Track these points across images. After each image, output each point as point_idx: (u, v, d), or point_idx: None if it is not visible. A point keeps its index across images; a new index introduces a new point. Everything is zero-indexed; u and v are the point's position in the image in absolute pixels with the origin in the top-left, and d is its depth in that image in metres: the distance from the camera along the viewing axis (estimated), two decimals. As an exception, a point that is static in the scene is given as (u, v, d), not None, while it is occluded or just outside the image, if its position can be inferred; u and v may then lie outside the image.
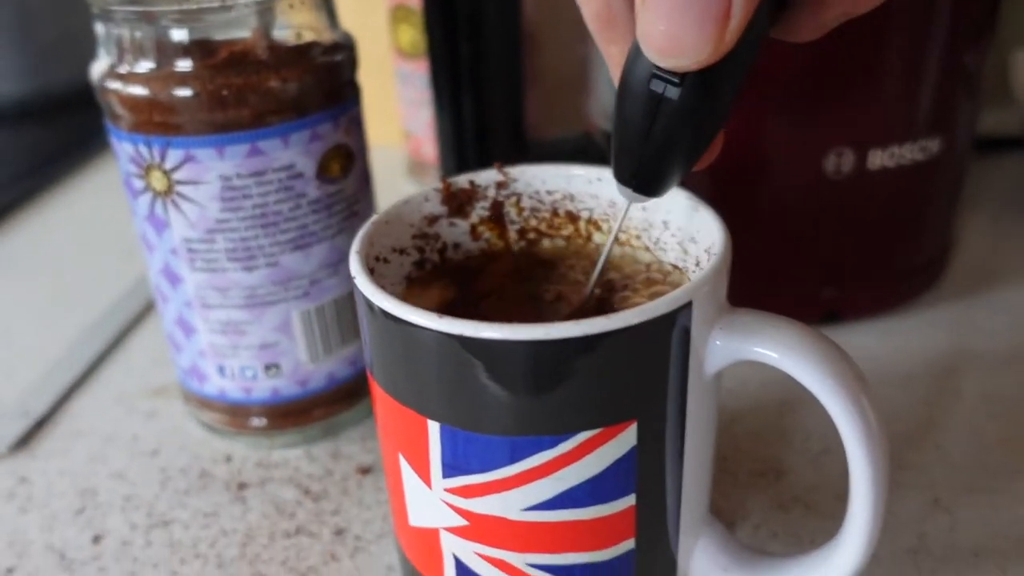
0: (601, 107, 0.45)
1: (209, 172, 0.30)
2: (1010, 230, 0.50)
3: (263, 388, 0.34)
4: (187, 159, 0.30)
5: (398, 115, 0.60)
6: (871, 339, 0.41)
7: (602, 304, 0.26)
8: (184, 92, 0.29)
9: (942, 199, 0.42)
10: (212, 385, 0.35)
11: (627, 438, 0.22)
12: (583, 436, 0.21)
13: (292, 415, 0.35)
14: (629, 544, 0.24)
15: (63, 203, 0.66)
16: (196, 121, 0.29)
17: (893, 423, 0.36)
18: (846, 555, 0.24)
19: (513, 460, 0.22)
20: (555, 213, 0.29)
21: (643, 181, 0.23)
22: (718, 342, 0.23)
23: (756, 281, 0.41)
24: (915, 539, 0.30)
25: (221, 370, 0.34)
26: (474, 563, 0.24)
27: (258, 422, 0.35)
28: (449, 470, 0.23)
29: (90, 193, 0.68)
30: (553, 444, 0.21)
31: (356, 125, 0.33)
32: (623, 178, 0.24)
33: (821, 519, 0.31)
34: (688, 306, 0.21)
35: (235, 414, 0.35)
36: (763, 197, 0.40)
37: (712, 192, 0.41)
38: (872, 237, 0.40)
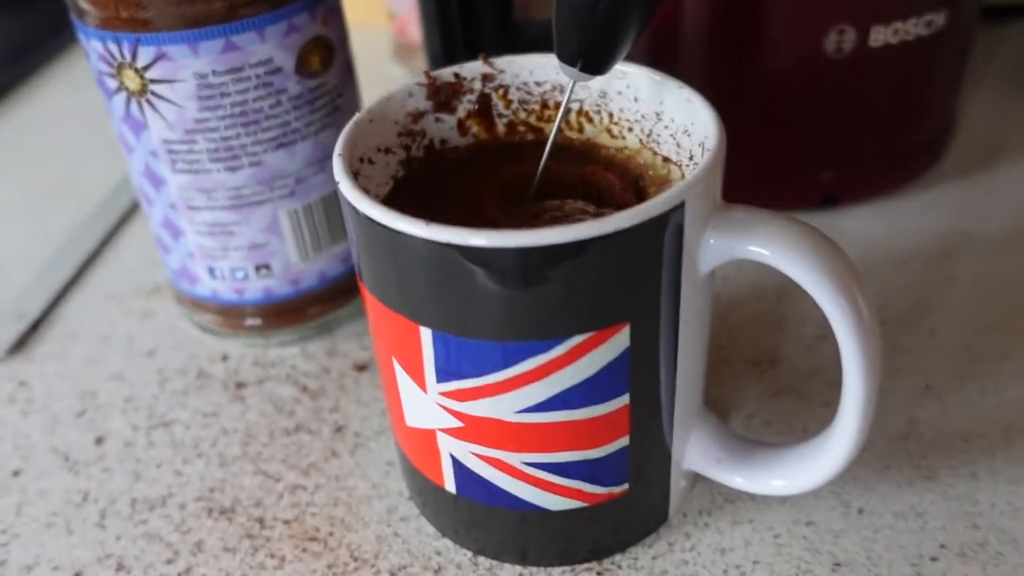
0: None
1: (183, 70, 0.29)
2: (1014, 105, 0.49)
3: (255, 289, 0.34)
4: (159, 56, 0.28)
5: (382, -5, 0.57)
6: (868, 223, 0.41)
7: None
8: (151, -16, 0.27)
9: (946, 75, 0.40)
10: (203, 287, 0.34)
11: (620, 341, 0.22)
12: (575, 340, 0.21)
13: (286, 314, 0.35)
14: (623, 441, 0.24)
15: (39, 97, 0.64)
16: (166, 16, 0.28)
17: (886, 307, 0.36)
18: (837, 446, 0.24)
19: (506, 365, 0.22)
20: (544, 105, 0.28)
21: (591, 59, 0.23)
22: (711, 241, 0.22)
23: (753, 166, 0.40)
24: (906, 425, 0.30)
25: (211, 272, 0.34)
26: (471, 462, 0.24)
27: (252, 322, 0.35)
28: (443, 375, 0.23)
29: (67, 85, 0.65)
30: (545, 349, 0.21)
31: (335, 15, 0.31)
32: (567, 57, 0.23)
33: (813, 406, 0.32)
34: (681, 206, 0.21)
35: (229, 315, 0.35)
36: (760, 80, 0.38)
37: (706, 76, 0.40)
38: (872, 118, 0.39)
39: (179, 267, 0.34)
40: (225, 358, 0.36)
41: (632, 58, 0.41)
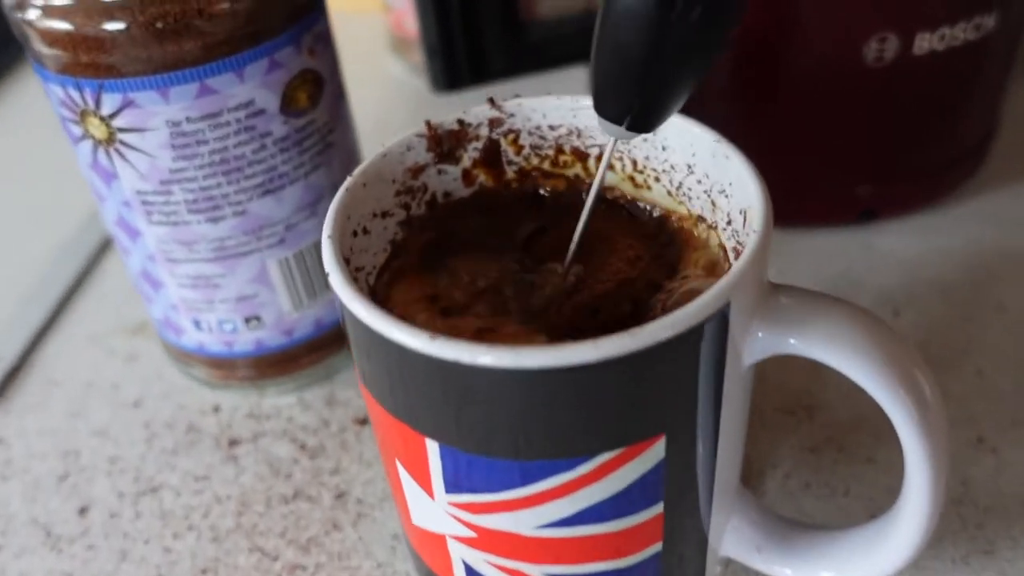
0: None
1: (154, 118, 0.25)
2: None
3: (246, 341, 0.31)
4: (126, 104, 0.25)
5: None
6: (908, 240, 0.38)
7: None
8: (113, 25, 0.24)
9: (992, 80, 0.37)
10: (190, 338, 0.32)
11: (654, 453, 0.19)
12: (603, 457, 0.19)
13: (280, 364, 0.32)
14: (656, 547, 0.21)
15: (8, 113, 0.61)
16: (131, 60, 0.25)
17: (929, 344, 0.33)
18: (899, 541, 0.21)
19: (524, 483, 0.19)
20: (560, 151, 0.25)
21: (642, 116, 0.19)
22: (760, 334, 0.19)
23: (788, 181, 0.37)
24: (959, 487, 0.28)
25: (197, 324, 0.31)
26: (486, 570, 0.22)
27: (245, 373, 0.32)
28: (452, 487, 0.20)
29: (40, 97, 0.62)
30: (569, 467, 0.19)
31: (323, 43, 0.28)
32: (612, 113, 0.20)
33: (856, 463, 0.29)
34: (725, 307, 0.18)
35: (219, 366, 0.32)
36: (794, 90, 0.35)
37: (740, 87, 0.37)
38: (913, 129, 0.36)
39: (163, 318, 0.32)
40: (217, 410, 0.34)
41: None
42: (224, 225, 0.28)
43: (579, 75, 0.45)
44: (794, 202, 0.38)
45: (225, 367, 0.32)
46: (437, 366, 0.17)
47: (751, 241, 0.19)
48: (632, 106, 0.19)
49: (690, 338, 0.17)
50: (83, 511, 0.30)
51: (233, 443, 0.32)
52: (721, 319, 0.18)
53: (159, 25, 0.24)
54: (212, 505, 0.30)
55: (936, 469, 0.20)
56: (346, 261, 0.20)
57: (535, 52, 0.39)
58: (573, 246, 0.22)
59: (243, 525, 0.29)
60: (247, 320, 0.31)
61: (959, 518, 0.27)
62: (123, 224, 0.29)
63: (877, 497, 0.28)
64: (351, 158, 0.31)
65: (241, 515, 0.30)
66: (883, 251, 0.37)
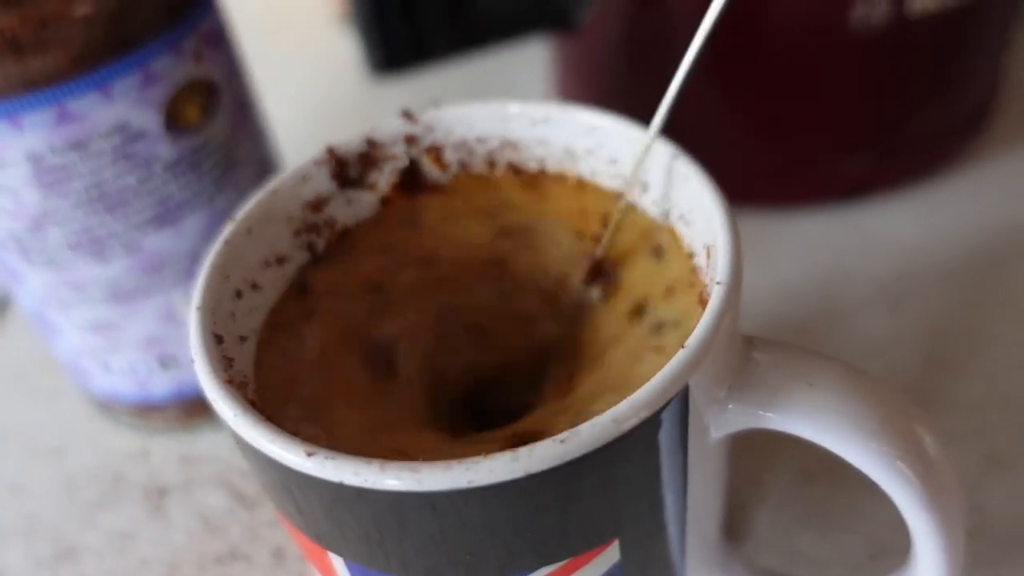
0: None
1: (9, 151, 0.21)
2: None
3: (164, 384, 0.28)
4: (-26, 138, 0.21)
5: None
6: (903, 219, 0.34)
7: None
8: (-60, 47, 0.20)
9: (991, 42, 0.33)
10: (102, 384, 0.28)
11: (607, 558, 0.16)
12: (542, 572, 0.15)
13: (207, 407, 0.29)
14: (621, 644, 0.18)
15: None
16: (-30, 85, 0.20)
17: (932, 344, 0.29)
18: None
19: (449, 603, 0.16)
20: (492, 165, 0.21)
21: None
22: (730, 406, 0.16)
23: (771, 156, 0.33)
24: (972, 514, 0.25)
25: (106, 368, 0.27)
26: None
27: (170, 417, 0.29)
28: (370, 600, 0.17)
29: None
30: (503, 586, 0.15)
31: (213, 44, 0.24)
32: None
33: (854, 493, 0.25)
34: (684, 390, 0.14)
35: (140, 412, 0.29)
36: (776, 58, 0.31)
37: (717, 56, 0.32)
38: (905, 97, 0.32)
39: (71, 362, 0.28)
40: (145, 454, 0.30)
41: (613, 20, 0.34)
42: (116, 265, 0.24)
43: (529, 53, 0.40)
44: (777, 180, 0.34)
45: (147, 412, 0.29)
46: (320, 485, 0.14)
47: (715, 296, 0.15)
48: None
49: (639, 434, 0.14)
50: (-6, 585, 0.27)
51: (162, 493, 0.29)
52: (680, 403, 0.14)
53: (-5, 43, 0.20)
54: (138, 569, 0.27)
55: (952, 559, 0.16)
56: (219, 339, 0.16)
57: (480, 27, 0.34)
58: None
59: (171, 593, 0.26)
60: (162, 362, 0.27)
61: (974, 554, 0.24)
62: (5, 267, 0.25)
63: (879, 531, 0.25)
64: (264, 174, 0.27)
65: (169, 582, 0.26)
66: (876, 233, 0.33)
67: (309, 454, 0.14)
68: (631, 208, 0.18)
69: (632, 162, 0.17)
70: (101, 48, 0.21)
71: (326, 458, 0.13)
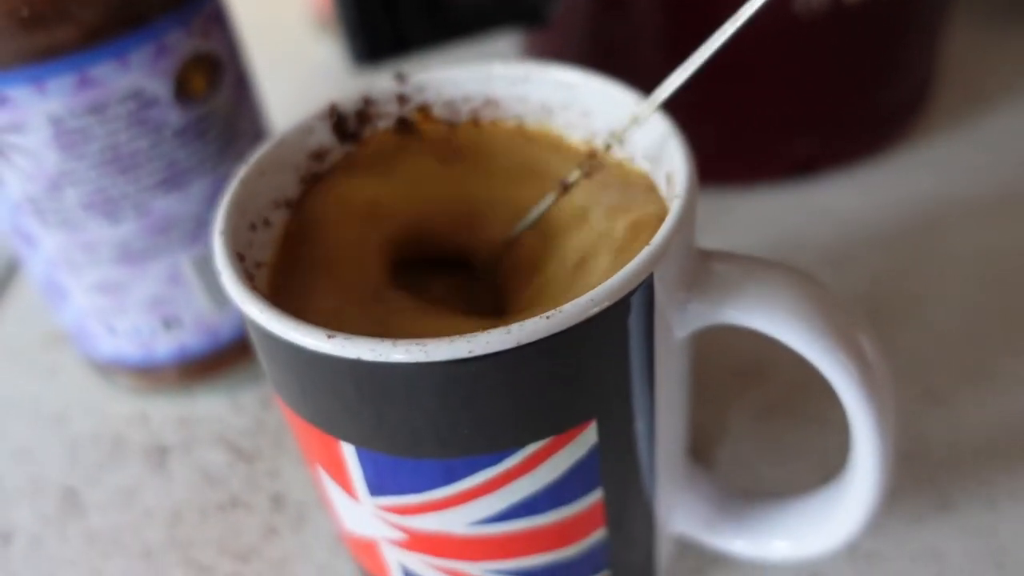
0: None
1: (33, 115, 0.23)
2: (999, 43, 0.45)
3: (167, 345, 0.30)
4: (0, 101, 0.23)
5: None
6: (849, 193, 0.37)
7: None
8: (-27, 16, 0.22)
9: (928, 27, 0.36)
10: (107, 347, 0.30)
11: (586, 439, 0.18)
12: (531, 448, 0.17)
13: (208, 366, 0.31)
14: (600, 533, 0.20)
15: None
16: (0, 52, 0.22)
17: (875, 297, 0.32)
18: (852, 505, 0.21)
19: (449, 481, 0.18)
20: (476, 123, 0.24)
21: None
22: (690, 305, 0.18)
23: (722, 136, 0.36)
24: (912, 442, 0.27)
25: (111, 330, 0.29)
26: (425, 572, 0.21)
27: (171, 378, 0.31)
28: (376, 490, 0.19)
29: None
30: (495, 461, 0.17)
31: (217, 22, 0.26)
32: None
33: (807, 426, 0.28)
34: (649, 278, 0.17)
35: (142, 374, 0.31)
36: (725, 44, 0.34)
37: (666, 39, 0.35)
38: (848, 79, 0.35)
39: (76, 327, 0.30)
40: (144, 418, 0.32)
41: (580, 15, 0.37)
42: (127, 226, 0.26)
43: (504, 43, 0.43)
44: (729, 159, 0.37)
45: (149, 374, 0.31)
46: (338, 366, 0.16)
47: (675, 206, 0.18)
48: None
49: (612, 315, 0.16)
50: (6, 538, 0.29)
51: (163, 452, 0.31)
52: (646, 291, 0.17)
53: (24, 13, 0.22)
54: (143, 520, 0.28)
55: (883, 434, 0.19)
56: (240, 257, 0.18)
57: (457, 21, 0.37)
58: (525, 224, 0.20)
59: (176, 538, 0.28)
60: (166, 323, 0.29)
61: (914, 475, 0.26)
62: (19, 231, 0.27)
63: (832, 459, 0.27)
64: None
65: (174, 528, 0.28)
66: (823, 207, 0.36)
67: (329, 336, 0.16)
68: (606, 150, 0.21)
69: (622, 127, 0.20)
70: (119, 21, 0.23)
71: (345, 339, 0.16)
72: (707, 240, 0.19)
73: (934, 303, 0.32)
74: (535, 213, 0.20)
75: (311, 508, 0.28)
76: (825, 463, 0.27)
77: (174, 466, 0.30)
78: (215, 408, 0.32)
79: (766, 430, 0.28)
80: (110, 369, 0.31)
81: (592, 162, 0.20)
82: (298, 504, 0.28)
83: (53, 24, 0.22)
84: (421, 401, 0.16)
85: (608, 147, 0.20)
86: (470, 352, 0.15)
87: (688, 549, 0.25)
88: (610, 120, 0.22)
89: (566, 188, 0.20)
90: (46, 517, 0.29)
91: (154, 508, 0.29)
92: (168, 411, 0.32)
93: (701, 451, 0.28)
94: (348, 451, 0.18)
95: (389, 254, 0.20)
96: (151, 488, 0.29)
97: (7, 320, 0.37)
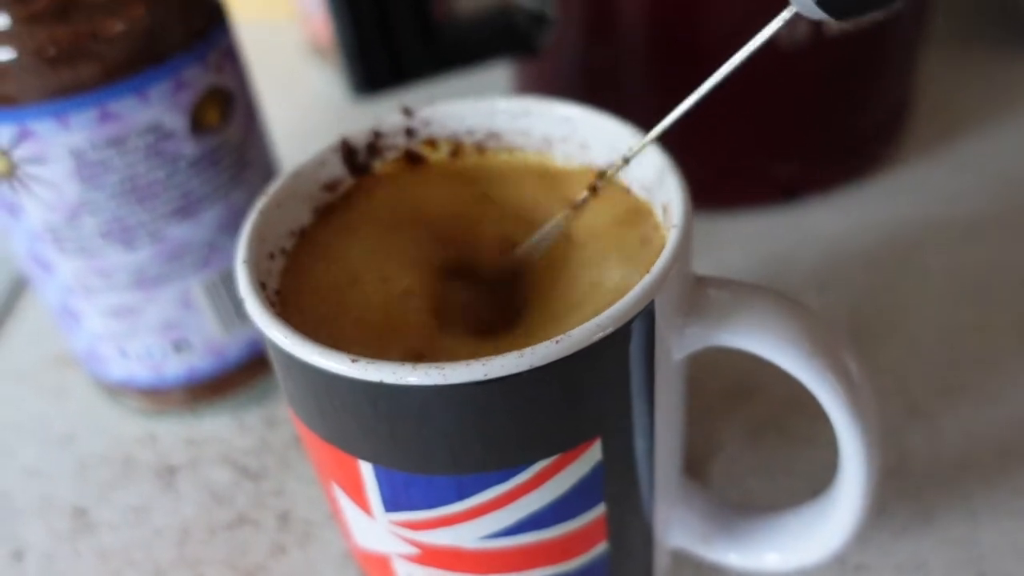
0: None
1: (55, 148, 0.25)
2: (973, 68, 0.46)
3: (176, 367, 0.30)
4: (24, 135, 0.24)
5: (290, -12, 0.52)
6: (832, 216, 0.38)
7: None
8: (1, 55, 0.23)
9: (903, 57, 0.38)
10: (117, 368, 0.31)
11: (591, 456, 0.19)
12: (539, 465, 0.18)
13: (215, 387, 0.32)
14: (601, 547, 0.21)
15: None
16: (25, 88, 0.24)
17: (859, 316, 0.33)
18: (839, 518, 0.22)
19: (461, 497, 0.19)
20: (480, 150, 0.25)
21: None
22: (687, 329, 0.19)
23: (710, 163, 0.37)
24: (896, 457, 0.28)
25: (123, 353, 0.30)
26: (433, 585, 0.22)
27: (179, 399, 0.32)
28: (391, 505, 0.20)
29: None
30: (505, 478, 0.19)
31: (230, 59, 0.27)
32: None
33: (797, 444, 0.29)
34: (650, 305, 0.18)
35: (151, 395, 0.31)
36: (710, 74, 0.35)
37: (654, 71, 0.37)
38: (828, 108, 0.37)
39: (87, 350, 0.31)
40: (153, 438, 0.33)
41: (570, 47, 0.38)
42: (142, 253, 0.27)
43: (498, 73, 0.44)
44: (718, 186, 0.38)
45: (157, 396, 0.31)
46: (360, 388, 0.17)
47: (672, 236, 0.19)
48: None
49: (616, 340, 0.17)
50: (17, 556, 0.29)
51: (171, 472, 0.31)
52: (647, 317, 0.18)
53: (51, 52, 0.23)
54: (152, 538, 0.29)
55: (868, 449, 0.20)
56: (262, 285, 0.20)
57: (452, 52, 0.38)
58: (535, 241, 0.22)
59: (185, 556, 0.29)
60: (176, 346, 0.30)
61: (898, 489, 0.28)
62: (35, 258, 0.28)
63: (820, 475, 0.28)
64: (270, 174, 0.30)
65: (183, 545, 0.29)
66: (808, 229, 0.38)
67: (353, 360, 0.17)
68: (610, 180, 0.22)
69: (621, 158, 0.21)
70: (140, 58, 0.24)
71: (368, 363, 0.17)
72: (698, 261, 0.21)
73: (915, 320, 0.33)
74: (545, 233, 0.21)
75: (317, 526, 0.29)
76: (814, 478, 0.28)
77: (182, 485, 0.31)
78: (221, 428, 0.33)
79: (757, 447, 0.29)
80: (119, 391, 0.32)
81: (600, 182, 0.21)
82: (304, 522, 0.29)
83: (78, 62, 0.23)
84: (437, 421, 0.17)
85: (617, 168, 0.21)
86: (485, 375, 0.16)
87: (684, 562, 0.26)
88: (606, 152, 0.23)
89: (575, 208, 0.21)
90: (57, 535, 0.30)
91: (163, 526, 0.30)
92: (175, 431, 0.33)
93: (695, 468, 0.29)
94: (366, 469, 0.19)
95: (400, 273, 0.21)
96: (160, 507, 0.30)
97: (15, 342, 0.38)
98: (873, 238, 0.37)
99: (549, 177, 0.24)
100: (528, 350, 0.16)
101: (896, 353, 0.32)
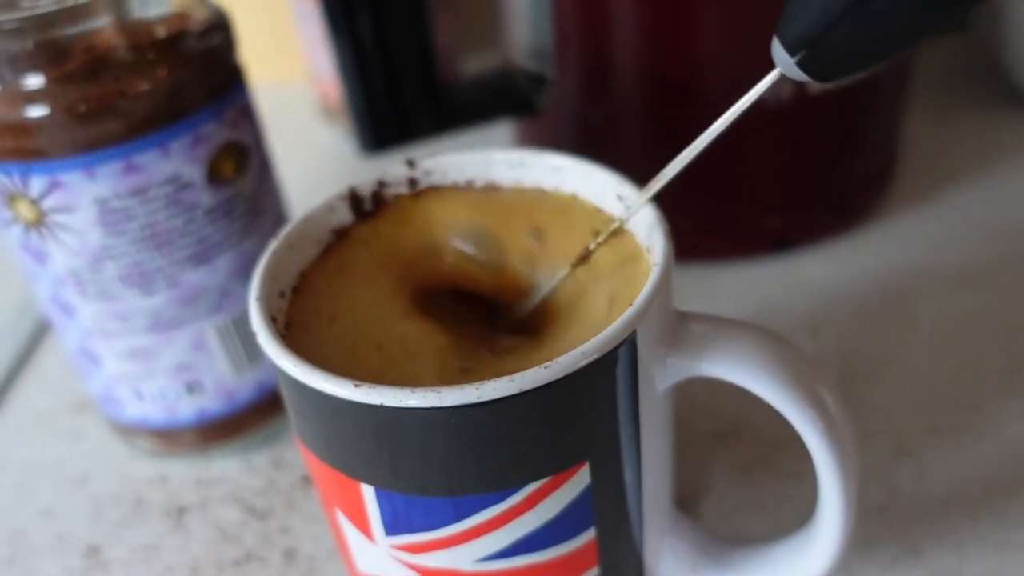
0: (518, 39, 0.41)
1: (82, 197, 0.26)
2: (957, 122, 0.48)
3: (188, 408, 0.32)
4: (54, 186, 0.26)
5: (302, 53, 0.55)
6: (822, 266, 0.40)
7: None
8: (36, 112, 0.25)
9: (888, 111, 0.39)
10: (132, 410, 0.32)
11: (580, 479, 0.20)
12: (531, 487, 0.20)
13: (225, 429, 0.33)
14: (593, 572, 0.22)
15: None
16: (56, 142, 0.25)
17: (849, 360, 0.34)
18: (820, 548, 0.23)
19: (458, 518, 0.20)
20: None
21: (823, 55, 0.17)
22: (668, 360, 0.21)
23: (701, 216, 0.39)
24: (884, 494, 0.29)
25: (139, 395, 0.31)
26: (432, 610, 0.23)
27: (190, 440, 0.33)
28: (391, 528, 0.21)
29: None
30: (500, 499, 0.20)
31: (245, 116, 0.29)
32: (791, 37, 0.17)
33: (785, 481, 0.30)
34: (633, 335, 0.19)
35: (163, 436, 0.33)
36: (700, 131, 0.37)
37: (645, 128, 0.39)
38: (816, 161, 0.38)
39: (103, 392, 0.32)
40: (164, 479, 0.34)
41: (568, 106, 0.40)
42: (159, 297, 0.29)
43: (499, 131, 0.46)
44: (711, 238, 0.40)
45: (169, 437, 0.33)
46: (362, 411, 0.18)
47: (653, 274, 0.20)
48: (818, 37, 0.17)
49: (602, 367, 0.19)
50: (31, 593, 0.30)
51: (182, 511, 0.32)
52: (630, 347, 0.19)
53: (82, 108, 0.25)
54: (163, 574, 0.30)
55: (846, 477, 0.21)
56: (274, 320, 0.21)
57: (457, 112, 0.40)
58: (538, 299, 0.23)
59: (195, 592, 0.29)
60: (188, 388, 0.31)
61: (886, 524, 0.28)
62: (58, 302, 0.29)
63: (808, 511, 0.29)
64: (281, 223, 0.32)
65: (192, 582, 0.30)
66: (799, 278, 0.39)
67: (356, 385, 0.18)
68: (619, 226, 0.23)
69: (621, 216, 0.23)
70: (162, 115, 0.26)
71: (370, 387, 0.18)
72: (692, 309, 0.22)
73: (903, 364, 0.34)
74: (553, 284, 0.23)
75: (321, 561, 0.30)
76: (803, 515, 0.29)
77: (192, 524, 0.32)
78: (230, 469, 0.34)
79: (746, 485, 0.30)
80: (133, 432, 0.33)
81: (602, 238, 0.23)
82: (308, 558, 0.30)
83: (105, 118, 0.25)
84: (435, 442, 0.18)
85: (619, 225, 0.23)
86: (478, 398, 0.18)
87: (677, 593, 0.27)
88: (593, 198, 0.24)
89: (583, 258, 0.23)
90: (71, 571, 0.31)
91: (173, 564, 0.30)
92: (186, 472, 0.34)
93: (687, 505, 0.30)
94: (367, 492, 0.20)
95: (400, 300, 0.23)
96: (170, 545, 0.31)
97: (34, 387, 0.40)
98: (863, 286, 0.38)
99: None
100: (519, 375, 0.18)
101: (885, 395, 0.33)
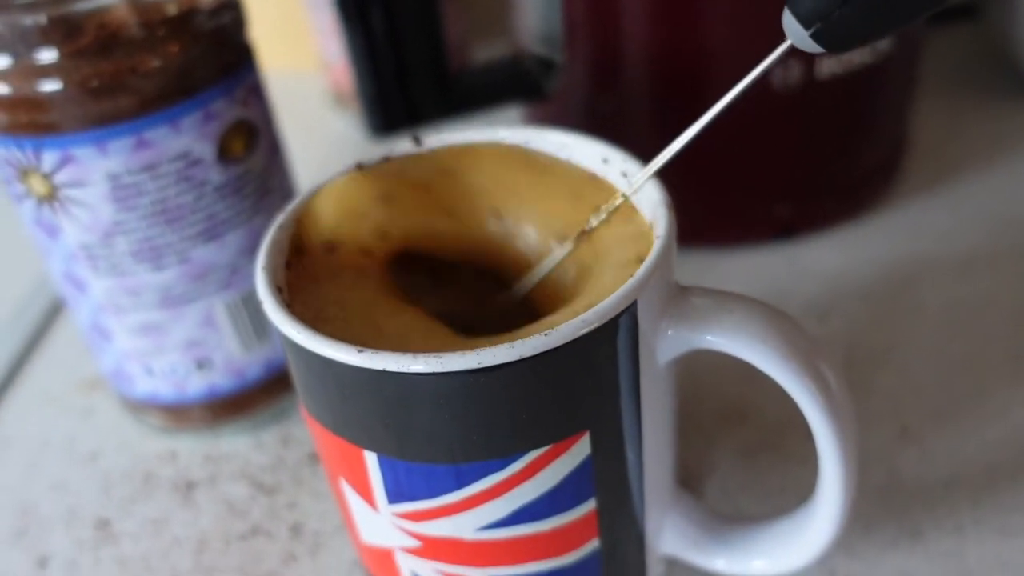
0: (528, 24, 0.41)
1: (93, 172, 0.27)
2: (964, 110, 0.48)
3: (197, 385, 0.32)
4: (66, 160, 0.26)
5: (314, 41, 0.55)
6: (828, 254, 0.40)
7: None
8: (49, 86, 0.25)
9: (896, 98, 0.39)
10: (142, 386, 0.32)
11: (580, 449, 0.20)
12: (532, 455, 0.20)
13: (234, 406, 0.33)
14: (594, 543, 0.23)
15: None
16: (69, 117, 0.26)
17: (854, 346, 0.35)
18: (820, 525, 0.23)
19: (460, 486, 0.20)
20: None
21: (838, 27, 0.17)
22: (669, 332, 0.21)
23: (707, 202, 0.39)
24: (886, 476, 0.29)
25: (149, 371, 0.32)
26: (433, 579, 0.23)
27: (199, 417, 0.33)
28: (394, 496, 0.21)
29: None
30: (501, 467, 0.20)
31: (255, 95, 0.30)
32: (805, 10, 0.17)
33: (790, 464, 0.30)
34: (633, 305, 0.19)
35: (173, 412, 0.33)
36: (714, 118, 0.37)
37: (658, 112, 0.39)
38: (823, 148, 0.38)
39: (114, 368, 0.32)
40: (173, 455, 0.34)
41: (577, 91, 0.40)
42: (169, 273, 0.29)
43: (506, 116, 0.47)
44: (718, 225, 0.40)
45: (179, 413, 0.33)
46: (366, 376, 0.18)
47: (655, 246, 0.20)
48: (832, 11, 0.17)
49: (602, 335, 0.19)
50: (42, 562, 0.31)
51: (190, 487, 0.33)
52: (630, 317, 0.19)
53: (94, 84, 0.25)
54: (171, 547, 0.31)
55: (845, 449, 0.21)
56: (279, 290, 0.21)
57: (466, 97, 0.40)
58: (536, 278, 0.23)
59: (202, 564, 0.30)
60: (198, 364, 0.31)
61: (887, 506, 0.28)
62: (70, 277, 0.30)
63: (810, 494, 0.29)
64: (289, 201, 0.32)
65: (200, 554, 0.30)
66: (806, 265, 0.39)
67: (359, 351, 0.18)
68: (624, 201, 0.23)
69: (623, 193, 0.23)
70: (173, 91, 0.27)
71: (373, 352, 0.18)
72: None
73: (909, 350, 0.34)
74: (551, 261, 0.23)
75: (327, 536, 0.30)
76: (805, 497, 0.29)
77: (200, 499, 0.32)
78: (239, 446, 0.34)
79: (750, 466, 0.30)
80: (143, 408, 0.33)
81: (602, 215, 0.23)
82: (315, 533, 0.30)
83: (117, 94, 0.26)
84: (436, 408, 0.19)
85: (620, 202, 0.23)
86: (479, 363, 0.18)
87: (675, 567, 0.27)
88: (601, 175, 0.25)
89: (583, 234, 0.23)
90: (81, 544, 0.31)
91: (181, 537, 0.31)
92: (195, 448, 0.34)
93: (690, 486, 0.30)
94: (371, 459, 0.20)
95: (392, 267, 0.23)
96: (179, 519, 0.32)
97: (47, 365, 0.40)
98: (870, 273, 0.38)
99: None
100: (519, 341, 0.18)
101: (890, 379, 0.33)
